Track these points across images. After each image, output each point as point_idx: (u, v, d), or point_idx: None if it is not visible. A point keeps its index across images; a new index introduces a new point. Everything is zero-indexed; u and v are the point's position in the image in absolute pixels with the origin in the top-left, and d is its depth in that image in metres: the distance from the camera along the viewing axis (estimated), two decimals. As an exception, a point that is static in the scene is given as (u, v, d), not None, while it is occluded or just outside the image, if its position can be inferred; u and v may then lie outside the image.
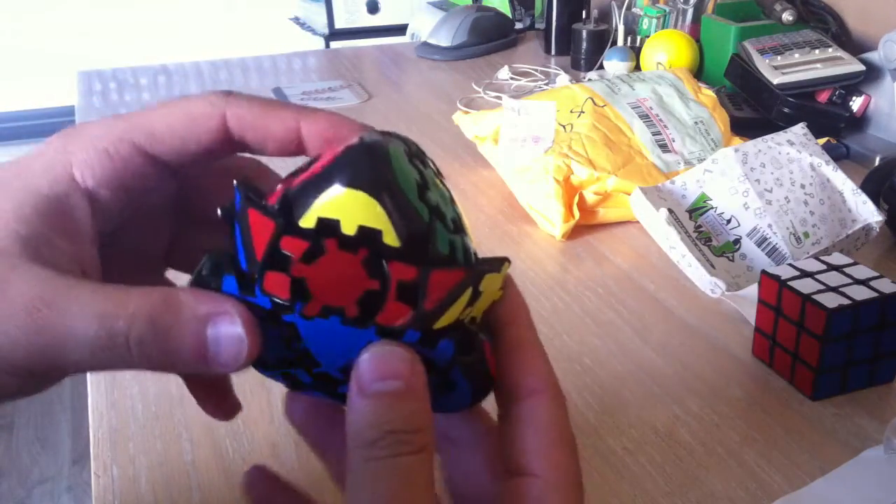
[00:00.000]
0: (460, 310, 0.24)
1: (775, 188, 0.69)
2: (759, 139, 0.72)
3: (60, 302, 0.23)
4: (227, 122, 0.27)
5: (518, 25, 1.57)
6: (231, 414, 0.33)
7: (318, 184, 0.23)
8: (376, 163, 0.23)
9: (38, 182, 0.25)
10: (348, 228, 0.22)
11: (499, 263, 0.26)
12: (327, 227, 0.22)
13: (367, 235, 0.22)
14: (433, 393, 0.24)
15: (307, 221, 0.23)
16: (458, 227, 0.25)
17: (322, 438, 0.29)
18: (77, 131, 0.26)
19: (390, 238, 0.23)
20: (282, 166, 0.28)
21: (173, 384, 0.57)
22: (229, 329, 0.23)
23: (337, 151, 0.23)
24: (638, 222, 0.74)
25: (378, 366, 0.22)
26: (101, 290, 0.23)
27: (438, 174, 0.26)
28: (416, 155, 0.25)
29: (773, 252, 0.68)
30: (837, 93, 0.96)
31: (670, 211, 0.70)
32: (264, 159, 0.30)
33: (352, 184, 0.22)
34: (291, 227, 0.23)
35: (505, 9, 1.60)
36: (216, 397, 0.33)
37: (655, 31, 1.27)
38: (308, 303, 0.23)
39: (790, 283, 0.53)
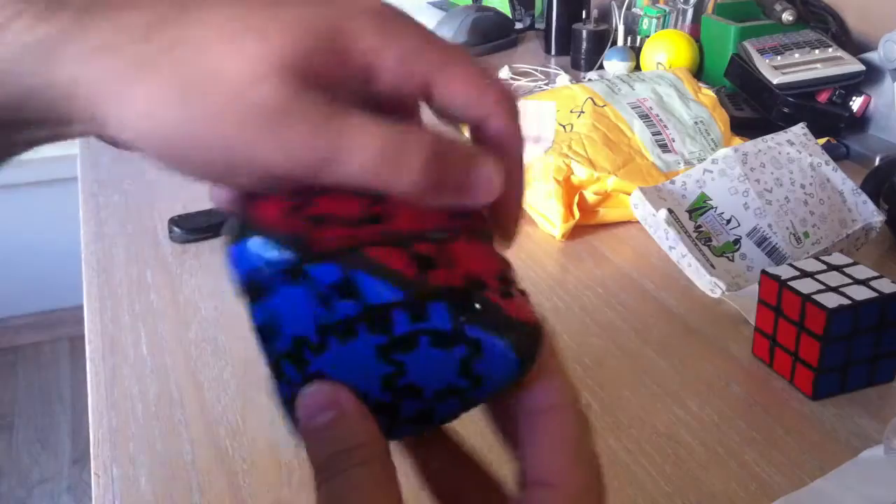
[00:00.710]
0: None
1: (775, 188, 0.69)
2: (759, 139, 0.72)
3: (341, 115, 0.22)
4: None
5: (518, 25, 1.57)
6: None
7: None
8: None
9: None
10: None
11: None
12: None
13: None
14: (466, 369, 0.23)
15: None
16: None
17: None
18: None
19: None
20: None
21: (173, 384, 0.57)
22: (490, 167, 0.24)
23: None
24: (638, 222, 0.74)
25: (309, 402, 0.24)
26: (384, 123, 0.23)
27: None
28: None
29: (773, 252, 0.68)
30: (837, 93, 0.96)
31: (670, 211, 0.70)
32: None
33: None
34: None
35: (505, 9, 1.60)
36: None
37: (655, 31, 1.27)
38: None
39: (790, 283, 0.53)
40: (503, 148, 0.26)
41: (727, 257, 0.69)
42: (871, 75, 0.96)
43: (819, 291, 0.52)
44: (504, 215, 0.27)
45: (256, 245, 0.23)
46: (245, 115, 0.21)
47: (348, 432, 0.24)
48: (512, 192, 0.26)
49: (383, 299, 0.23)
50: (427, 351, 0.23)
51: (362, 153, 0.22)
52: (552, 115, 0.83)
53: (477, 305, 0.24)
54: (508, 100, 0.26)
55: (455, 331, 0.23)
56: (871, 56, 0.96)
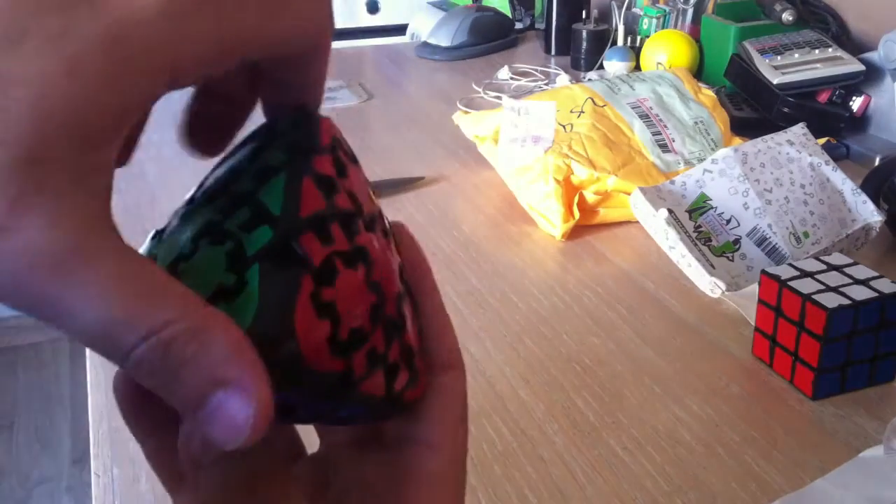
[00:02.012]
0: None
1: (775, 188, 0.69)
2: (759, 139, 0.72)
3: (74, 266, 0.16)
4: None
5: (518, 25, 1.57)
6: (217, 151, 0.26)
7: None
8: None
9: None
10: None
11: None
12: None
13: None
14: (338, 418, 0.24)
15: None
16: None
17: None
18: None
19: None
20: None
21: (173, 384, 0.57)
22: (238, 406, 0.18)
23: None
24: (638, 222, 0.74)
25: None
26: (126, 280, 0.17)
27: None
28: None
29: (772, 252, 0.68)
30: (837, 93, 0.96)
31: (670, 211, 0.70)
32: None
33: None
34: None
35: (505, 9, 1.60)
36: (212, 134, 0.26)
37: (655, 31, 1.27)
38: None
39: (790, 283, 0.53)
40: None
41: (727, 257, 0.69)
42: (871, 75, 0.96)
43: (819, 291, 0.52)
44: None
45: None
46: None
47: None
48: None
49: None
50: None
51: (83, 312, 0.16)
52: (552, 115, 0.83)
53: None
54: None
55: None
56: (871, 56, 0.96)
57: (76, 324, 0.16)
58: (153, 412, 0.26)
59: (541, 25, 1.47)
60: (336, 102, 1.19)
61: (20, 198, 0.15)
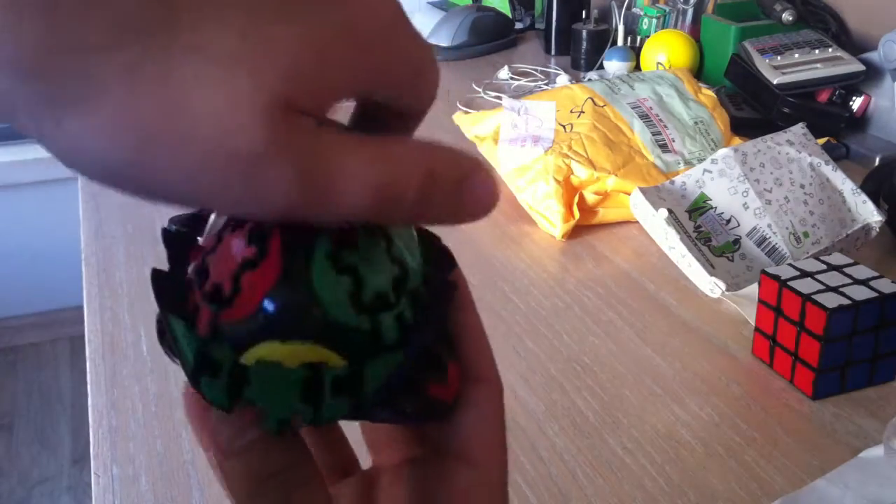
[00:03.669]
0: (401, 390, 0.24)
1: (775, 188, 0.69)
2: (759, 139, 0.72)
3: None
4: None
5: (518, 25, 1.57)
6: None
7: (249, 333, 0.22)
8: (300, 307, 0.22)
9: None
10: (291, 364, 0.22)
11: (446, 288, 0.25)
12: (269, 367, 0.22)
13: (312, 367, 0.22)
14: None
15: (248, 359, 0.22)
16: (404, 294, 0.24)
17: None
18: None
19: (335, 361, 0.22)
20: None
21: (173, 384, 0.57)
22: (483, 179, 0.22)
23: (257, 298, 0.22)
24: (638, 222, 0.74)
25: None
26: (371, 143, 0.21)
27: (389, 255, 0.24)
28: (342, 256, 0.23)
29: (772, 252, 0.68)
30: (837, 93, 0.96)
31: (670, 211, 0.70)
32: None
33: (283, 337, 0.22)
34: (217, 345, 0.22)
35: (505, 9, 1.60)
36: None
37: (655, 31, 1.27)
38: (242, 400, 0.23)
39: (790, 283, 0.53)
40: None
41: (727, 257, 0.69)
42: (871, 75, 0.96)
43: (819, 291, 0.52)
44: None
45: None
46: (217, 162, 0.19)
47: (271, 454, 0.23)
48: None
49: None
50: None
51: (353, 195, 0.20)
52: (552, 115, 0.83)
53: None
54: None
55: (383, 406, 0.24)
56: (871, 56, 0.96)
57: (352, 197, 0.20)
58: (228, 430, 0.27)
59: (541, 25, 1.47)
60: (336, 102, 1.19)
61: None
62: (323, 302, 0.22)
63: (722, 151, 0.71)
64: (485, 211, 0.22)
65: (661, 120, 0.84)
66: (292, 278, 0.22)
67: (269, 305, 0.22)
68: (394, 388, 0.23)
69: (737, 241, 0.69)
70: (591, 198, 0.78)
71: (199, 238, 0.24)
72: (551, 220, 0.76)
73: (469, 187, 0.22)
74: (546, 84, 1.25)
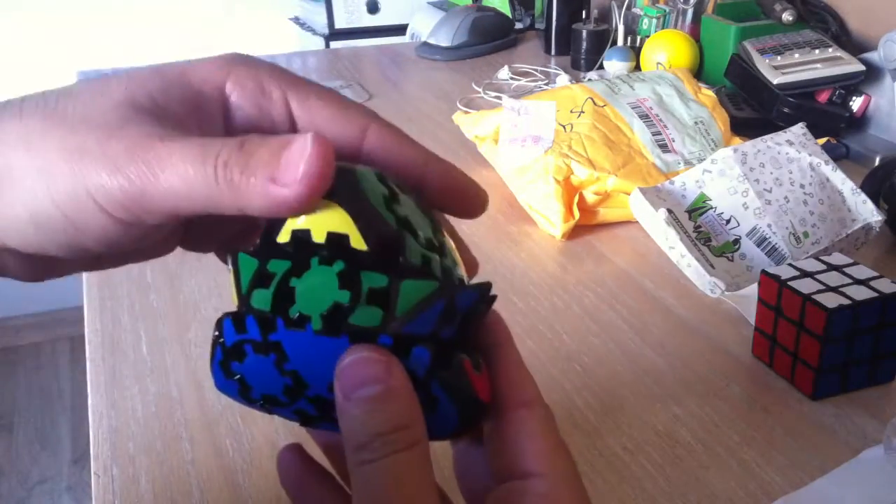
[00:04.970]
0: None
1: (775, 188, 0.69)
2: (759, 139, 0.72)
3: (160, 147, 0.24)
4: (368, 151, 0.28)
5: (518, 25, 1.57)
6: None
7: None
8: (342, 178, 0.25)
9: (184, 78, 0.27)
10: (319, 235, 0.24)
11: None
12: (300, 238, 0.24)
13: (336, 240, 0.24)
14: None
15: (284, 235, 0.24)
16: (435, 247, 0.26)
17: (305, 493, 0.29)
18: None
19: (357, 242, 0.24)
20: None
21: (173, 384, 0.57)
22: (301, 148, 0.24)
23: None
24: (638, 222, 0.74)
25: (356, 371, 0.23)
26: (197, 137, 0.25)
27: (426, 205, 0.27)
28: (392, 181, 0.26)
29: (772, 252, 0.68)
30: (837, 93, 0.96)
31: (670, 211, 0.70)
32: None
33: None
34: (272, 249, 0.25)
35: (505, 9, 1.60)
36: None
37: (655, 31, 1.27)
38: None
39: (790, 283, 0.53)
40: (391, 156, 0.28)
41: (727, 257, 0.69)
42: (871, 75, 0.96)
43: (819, 291, 0.52)
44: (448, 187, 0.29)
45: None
46: (88, 141, 0.24)
47: (395, 411, 0.23)
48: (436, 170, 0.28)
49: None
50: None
51: (175, 175, 0.24)
52: (552, 115, 0.83)
53: (451, 366, 0.25)
54: (371, 115, 0.28)
55: (424, 381, 0.24)
56: (871, 56, 0.96)
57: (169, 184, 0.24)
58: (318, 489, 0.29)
59: (541, 25, 1.47)
60: (336, 102, 1.19)
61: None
62: (360, 183, 0.25)
63: (722, 151, 0.71)
64: (306, 177, 0.23)
65: (661, 120, 0.84)
66: (340, 167, 0.25)
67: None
68: (428, 320, 0.24)
69: (737, 241, 0.69)
70: (591, 198, 0.78)
71: None
72: (551, 220, 0.76)
73: (286, 150, 0.24)
74: (546, 84, 1.25)
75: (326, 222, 0.24)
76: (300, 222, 0.24)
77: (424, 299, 0.24)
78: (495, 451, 0.27)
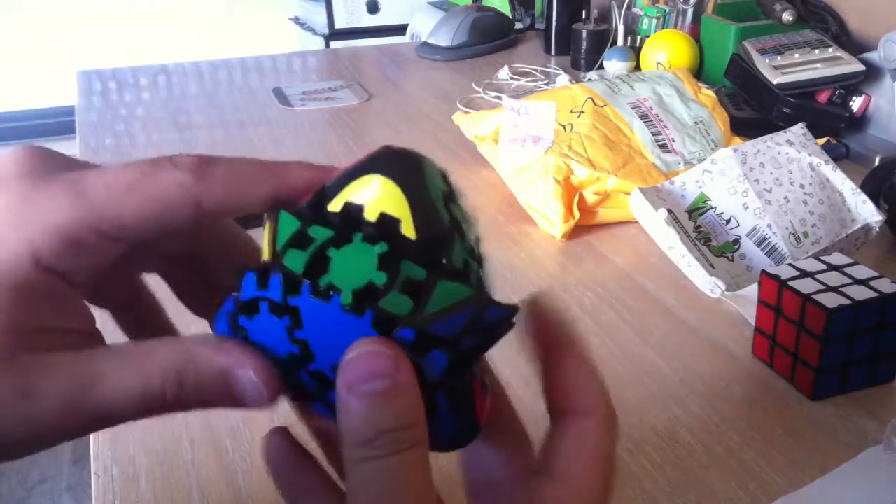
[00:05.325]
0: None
1: (775, 188, 0.69)
2: (759, 139, 0.72)
3: (88, 372, 0.24)
4: (203, 205, 0.25)
5: (518, 25, 1.57)
6: None
7: (352, 172, 0.25)
8: (408, 162, 0.25)
9: (6, 275, 0.24)
10: (371, 214, 0.24)
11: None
12: (351, 211, 0.24)
13: (387, 222, 0.24)
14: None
15: (335, 205, 0.24)
16: (475, 256, 0.26)
17: (294, 483, 0.29)
18: (35, 211, 0.25)
19: (408, 229, 0.24)
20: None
21: (173, 384, 0.57)
22: (248, 378, 0.24)
23: (373, 151, 0.25)
24: (638, 222, 0.74)
25: (364, 364, 0.22)
26: (127, 355, 0.25)
27: (471, 215, 0.28)
28: (451, 180, 0.27)
29: (772, 252, 0.68)
30: (837, 93, 0.96)
31: (669, 211, 0.70)
32: None
33: (382, 172, 0.24)
34: (317, 215, 0.24)
35: (505, 9, 1.60)
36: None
37: (655, 31, 1.27)
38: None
39: (790, 283, 0.53)
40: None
41: (727, 257, 0.69)
42: (871, 75, 0.96)
43: (819, 291, 0.52)
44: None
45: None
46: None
47: (401, 408, 0.22)
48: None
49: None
50: None
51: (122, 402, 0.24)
52: (552, 115, 0.83)
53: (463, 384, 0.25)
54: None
55: (432, 386, 0.24)
56: (871, 56, 0.96)
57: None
58: (306, 475, 0.29)
59: (541, 25, 1.47)
60: (336, 102, 1.19)
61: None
62: (424, 173, 0.25)
63: (722, 151, 0.71)
64: (258, 401, 0.24)
65: (661, 120, 0.84)
66: (407, 152, 0.25)
67: (379, 151, 0.25)
68: (454, 324, 0.24)
69: (737, 241, 0.69)
70: (591, 198, 0.78)
71: None
72: (551, 220, 0.77)
73: (233, 380, 0.24)
74: (546, 84, 1.25)
75: (383, 202, 0.24)
76: (355, 193, 0.24)
77: (456, 304, 0.24)
78: (541, 448, 0.27)
